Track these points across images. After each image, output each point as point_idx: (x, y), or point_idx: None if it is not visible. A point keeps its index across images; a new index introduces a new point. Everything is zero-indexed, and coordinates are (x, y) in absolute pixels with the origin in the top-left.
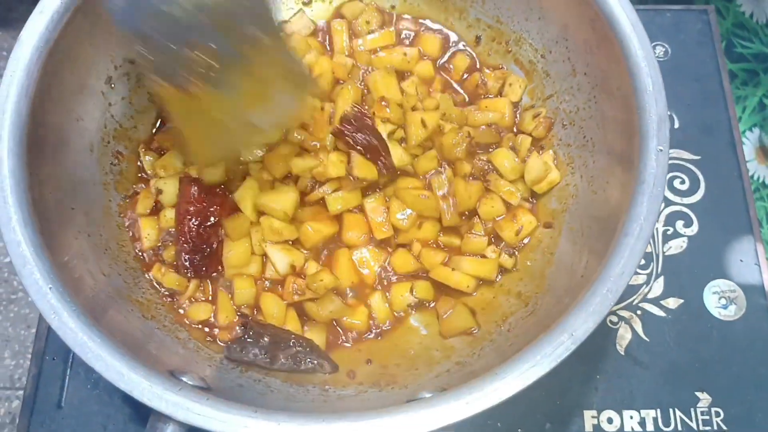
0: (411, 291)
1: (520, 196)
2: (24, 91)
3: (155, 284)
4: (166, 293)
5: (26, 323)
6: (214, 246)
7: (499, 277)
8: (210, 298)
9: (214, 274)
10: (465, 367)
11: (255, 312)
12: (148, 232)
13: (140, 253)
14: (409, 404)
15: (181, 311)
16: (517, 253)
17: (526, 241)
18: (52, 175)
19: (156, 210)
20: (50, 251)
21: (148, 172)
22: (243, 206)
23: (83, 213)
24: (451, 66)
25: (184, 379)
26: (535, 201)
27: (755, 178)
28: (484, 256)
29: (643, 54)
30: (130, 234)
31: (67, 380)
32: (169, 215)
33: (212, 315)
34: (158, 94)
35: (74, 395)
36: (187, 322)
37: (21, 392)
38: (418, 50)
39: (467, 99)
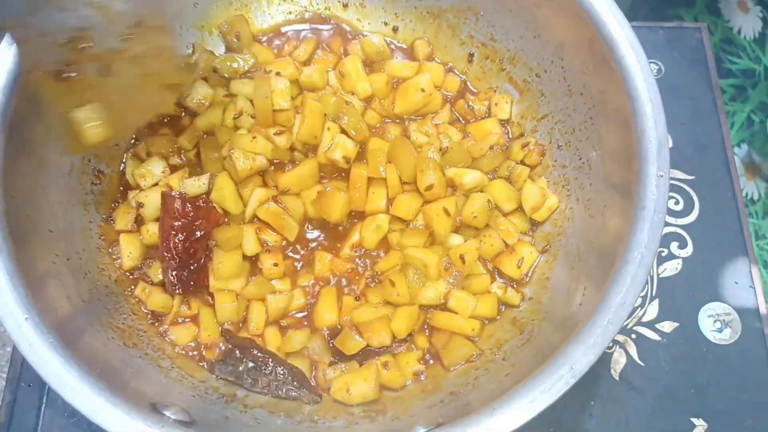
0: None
1: (519, 233)
2: (1, 110)
3: (138, 307)
4: (150, 316)
5: (1, 341)
6: (202, 260)
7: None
8: (195, 316)
9: (202, 289)
10: (459, 398)
11: (240, 326)
12: (130, 251)
13: (123, 274)
14: None
15: (165, 335)
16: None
17: (532, 272)
18: (30, 196)
19: (137, 225)
20: (27, 278)
21: (129, 181)
22: (225, 205)
23: (61, 236)
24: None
25: (167, 413)
26: (534, 230)
27: (744, 194)
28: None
29: (642, 76)
30: (113, 256)
31: (43, 408)
32: (152, 230)
33: (196, 337)
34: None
35: (51, 423)
36: (170, 346)
37: None
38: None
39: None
